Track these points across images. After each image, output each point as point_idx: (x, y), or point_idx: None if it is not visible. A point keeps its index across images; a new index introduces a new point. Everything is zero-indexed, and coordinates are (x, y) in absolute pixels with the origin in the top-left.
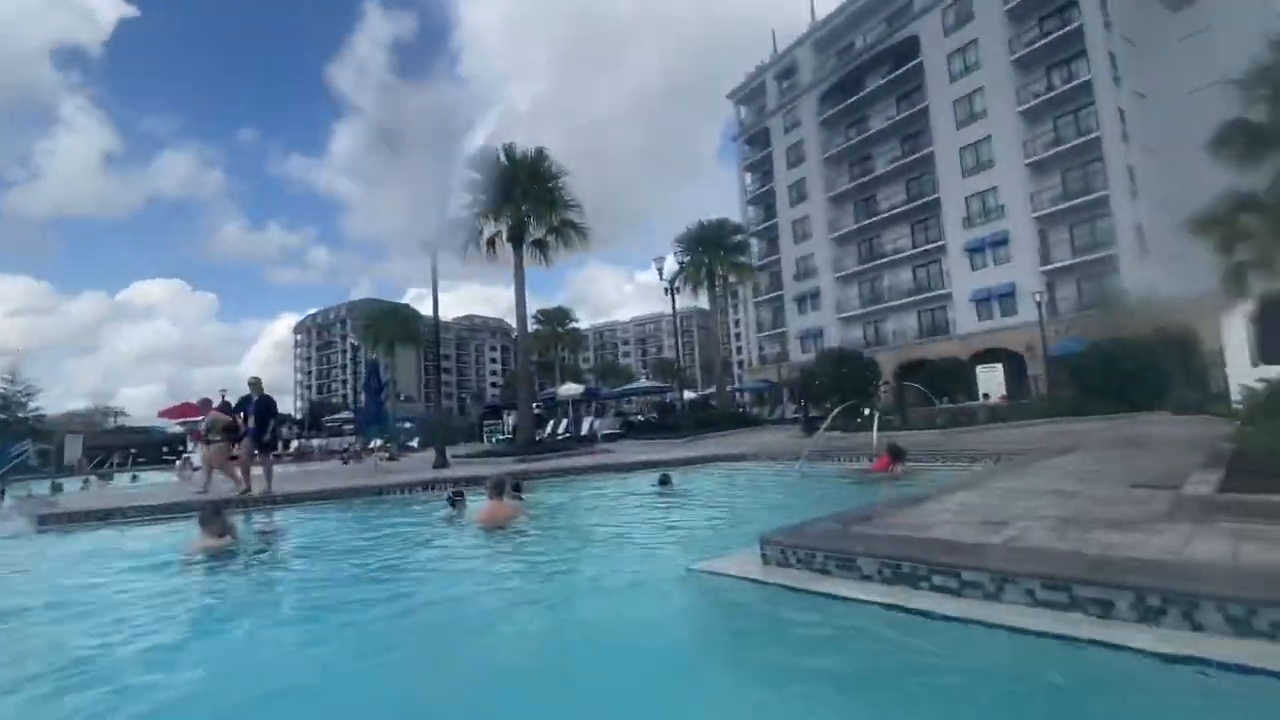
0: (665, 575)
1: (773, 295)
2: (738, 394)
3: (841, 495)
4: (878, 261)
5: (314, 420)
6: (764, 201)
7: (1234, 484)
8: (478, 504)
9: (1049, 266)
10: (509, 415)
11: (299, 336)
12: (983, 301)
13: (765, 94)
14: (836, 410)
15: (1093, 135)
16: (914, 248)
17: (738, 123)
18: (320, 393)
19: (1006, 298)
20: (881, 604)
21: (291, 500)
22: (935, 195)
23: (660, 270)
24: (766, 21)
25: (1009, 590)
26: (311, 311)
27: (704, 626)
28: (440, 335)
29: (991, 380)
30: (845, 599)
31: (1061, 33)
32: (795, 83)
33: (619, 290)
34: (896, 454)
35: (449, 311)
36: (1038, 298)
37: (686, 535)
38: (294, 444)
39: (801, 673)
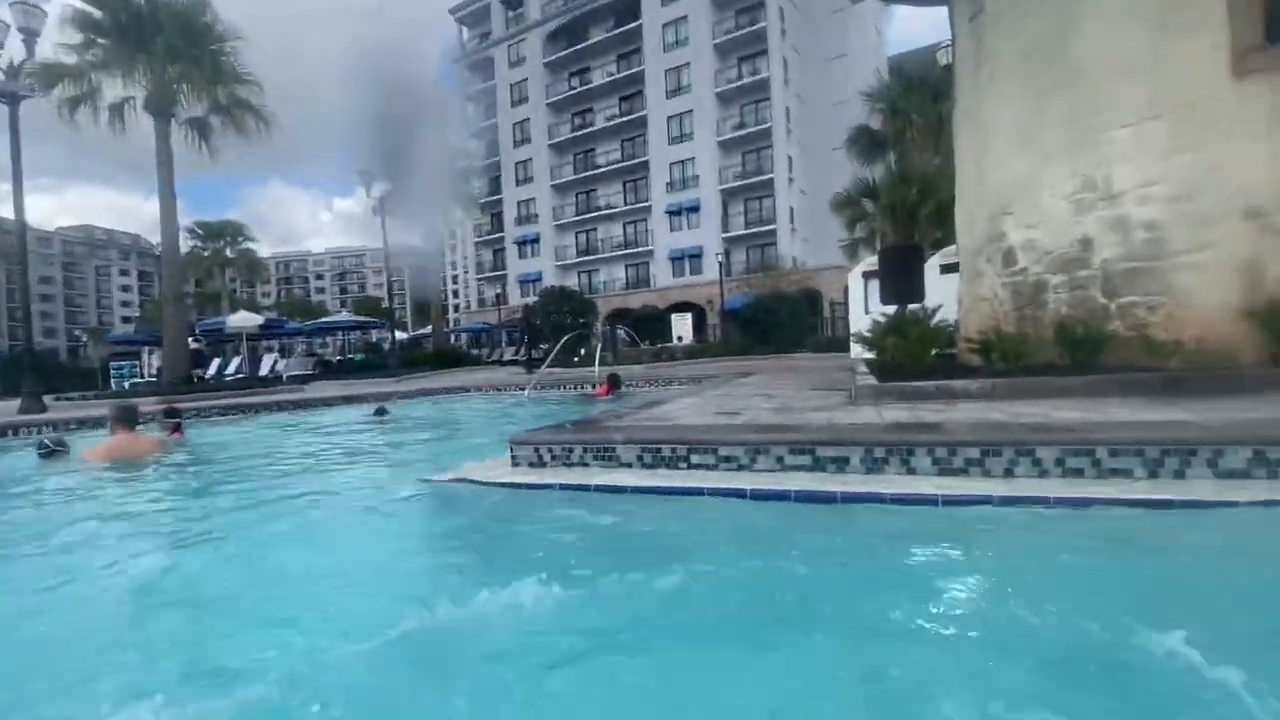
0: (394, 492)
1: (494, 237)
2: (454, 336)
3: (575, 411)
4: (595, 214)
5: None
6: (487, 137)
7: (884, 380)
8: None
9: (728, 234)
10: (151, 354)
11: None
12: (678, 260)
13: (490, 19)
14: (562, 342)
15: (766, 126)
16: (626, 205)
17: (459, 44)
18: None
19: (695, 258)
20: (649, 487)
21: None
22: (645, 158)
23: (368, 189)
24: None
25: (760, 460)
26: None
27: (447, 533)
28: (28, 246)
29: (683, 326)
30: (613, 487)
31: (751, 29)
32: (523, 15)
33: (314, 218)
34: (616, 382)
35: (52, 218)
36: (719, 259)
37: (414, 455)
38: None
39: (567, 564)
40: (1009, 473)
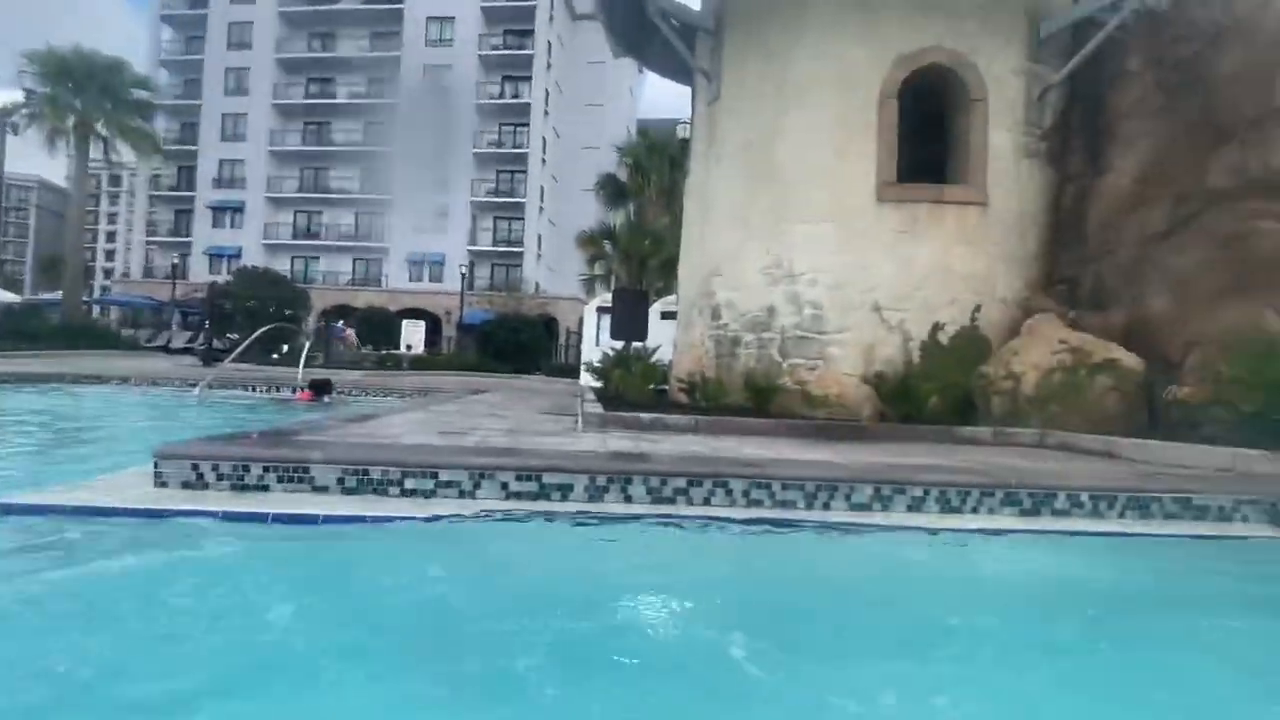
0: None
1: (179, 195)
2: (100, 308)
3: (263, 419)
4: (325, 195)
5: None
6: (186, 72)
7: (608, 409)
8: None
9: (475, 247)
10: None
11: None
12: (416, 263)
13: None
14: (258, 334)
15: (523, 150)
16: (362, 193)
17: None
18: None
19: (437, 264)
20: (347, 515)
21: None
22: (390, 148)
23: None
24: None
25: (485, 485)
26: None
27: (33, 585)
28: None
29: (415, 334)
30: (298, 516)
31: (519, 51)
32: None
33: None
34: (323, 387)
35: None
36: (463, 270)
37: None
38: None
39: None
40: (707, 501)
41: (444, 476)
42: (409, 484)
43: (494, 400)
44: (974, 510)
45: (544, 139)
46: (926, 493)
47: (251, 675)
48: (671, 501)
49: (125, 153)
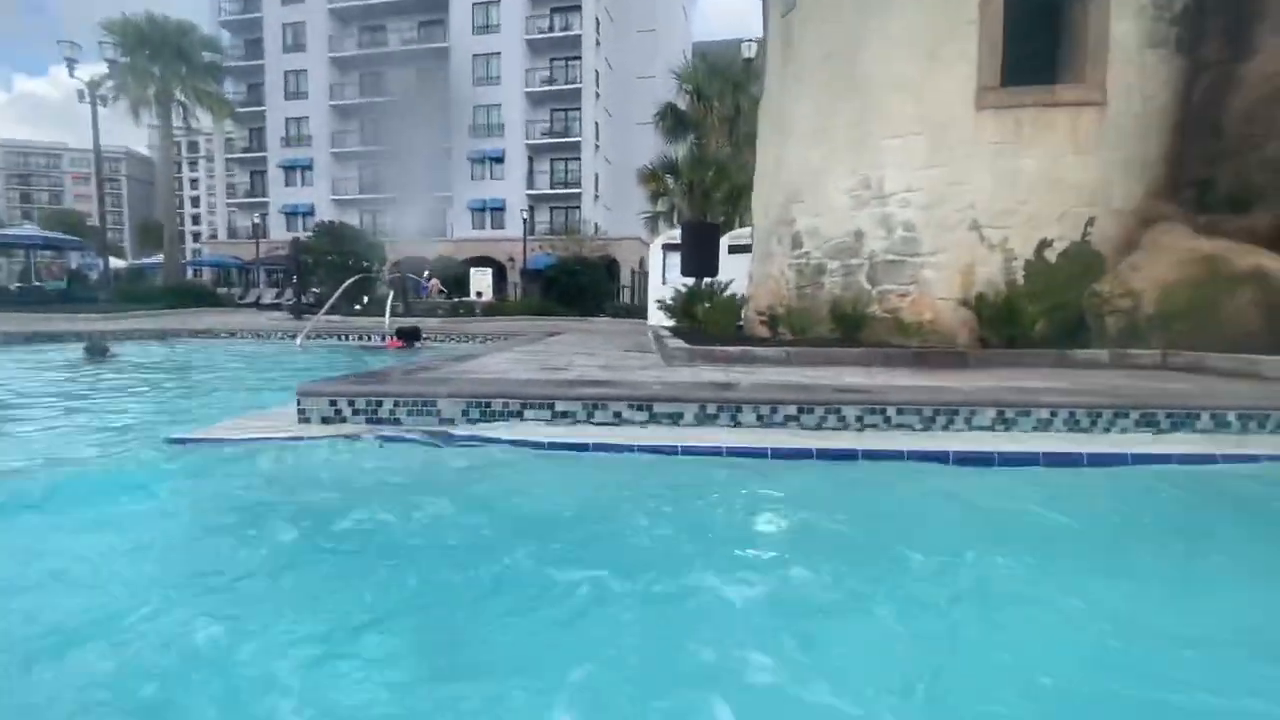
0: (133, 454)
1: (253, 156)
2: (194, 270)
3: (366, 364)
4: (383, 147)
5: None
6: (245, 33)
7: (692, 344)
8: None
9: (533, 191)
10: None
11: None
12: (478, 211)
13: None
14: (345, 286)
15: (576, 85)
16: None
17: None
18: None
19: (498, 211)
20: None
21: None
22: (447, 93)
23: (71, 67)
24: None
25: (598, 414)
26: None
27: (215, 505)
28: None
29: (483, 281)
30: (434, 440)
31: None
32: None
33: None
34: (413, 335)
35: None
36: (524, 215)
37: (149, 409)
38: None
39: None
40: (818, 427)
41: (560, 407)
42: (528, 415)
43: (572, 341)
44: (1105, 431)
45: (596, 72)
46: (1054, 414)
47: None
48: (783, 426)
49: (202, 118)
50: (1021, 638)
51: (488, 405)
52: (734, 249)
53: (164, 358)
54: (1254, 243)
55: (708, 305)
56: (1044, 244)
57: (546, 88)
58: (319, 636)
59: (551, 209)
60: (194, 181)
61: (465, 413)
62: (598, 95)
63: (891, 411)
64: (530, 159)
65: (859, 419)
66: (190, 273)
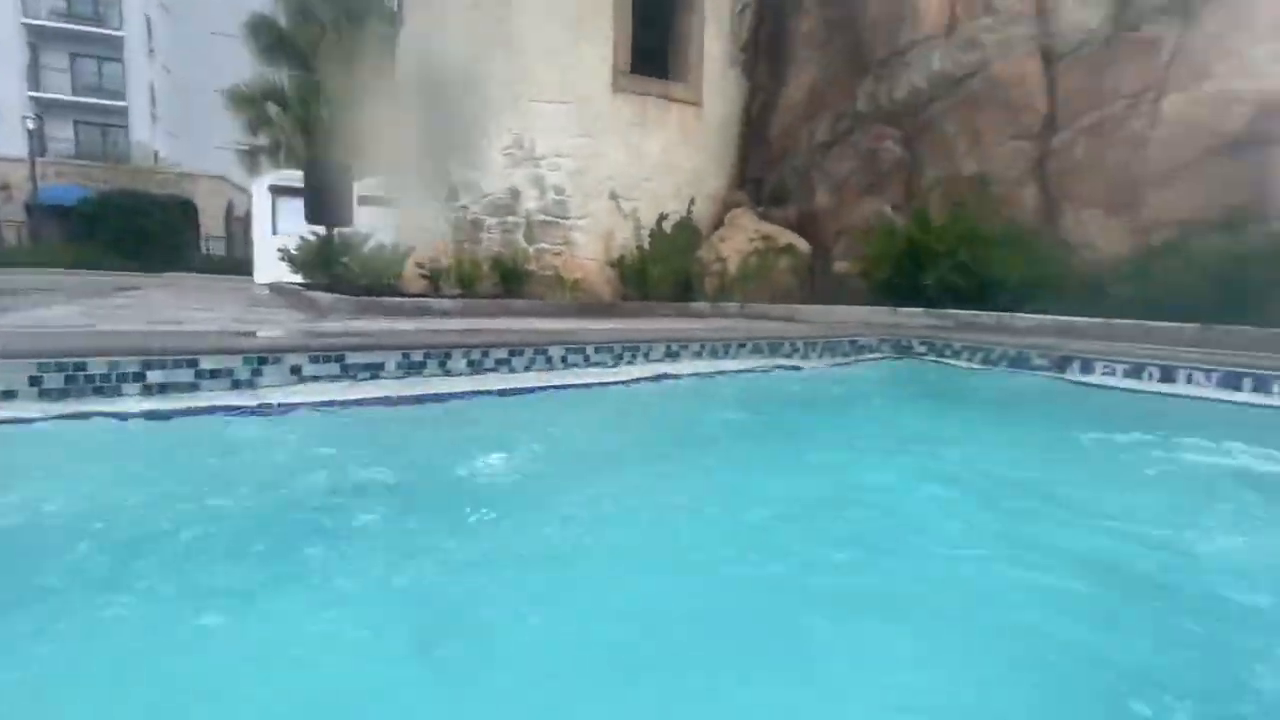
0: None
1: None
2: None
3: None
4: None
5: None
6: None
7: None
8: None
9: (41, 94)
10: None
11: None
12: None
13: None
14: None
15: None
16: None
17: None
18: None
19: None
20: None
21: None
22: None
23: None
24: None
25: (269, 372)
26: None
27: None
28: None
29: None
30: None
31: None
32: None
33: None
34: None
35: None
36: (28, 125)
37: None
38: None
39: None
40: (528, 368)
41: (205, 364)
42: (151, 376)
43: (165, 297)
44: (735, 357)
45: None
46: (704, 346)
47: None
48: (495, 371)
49: None
50: None
51: (83, 367)
52: (363, 200)
53: None
54: (789, 227)
55: (351, 258)
56: (663, 217)
57: None
58: None
59: (78, 124)
60: None
61: (35, 381)
62: None
63: (590, 350)
64: (33, 46)
65: (563, 359)
66: None
